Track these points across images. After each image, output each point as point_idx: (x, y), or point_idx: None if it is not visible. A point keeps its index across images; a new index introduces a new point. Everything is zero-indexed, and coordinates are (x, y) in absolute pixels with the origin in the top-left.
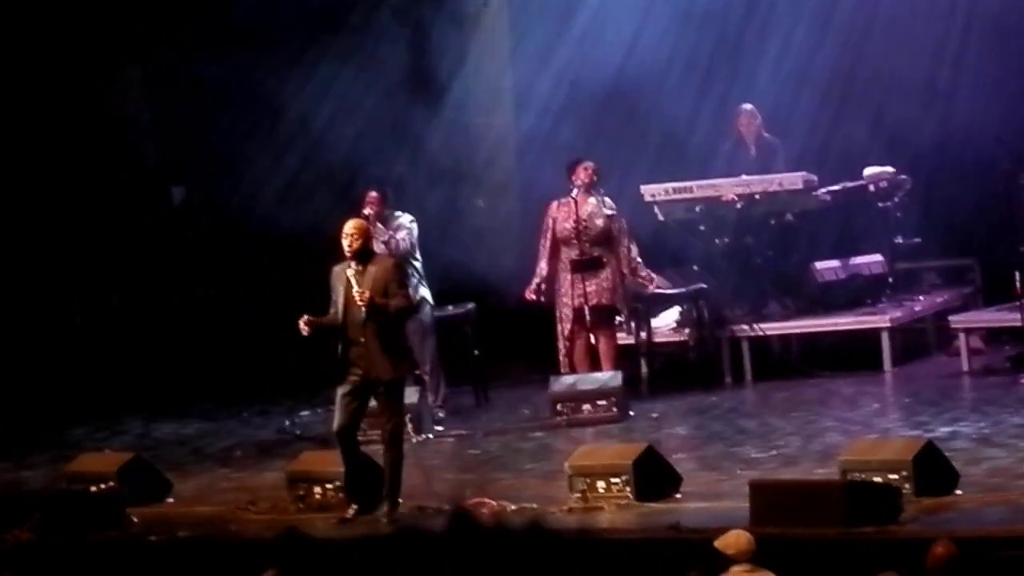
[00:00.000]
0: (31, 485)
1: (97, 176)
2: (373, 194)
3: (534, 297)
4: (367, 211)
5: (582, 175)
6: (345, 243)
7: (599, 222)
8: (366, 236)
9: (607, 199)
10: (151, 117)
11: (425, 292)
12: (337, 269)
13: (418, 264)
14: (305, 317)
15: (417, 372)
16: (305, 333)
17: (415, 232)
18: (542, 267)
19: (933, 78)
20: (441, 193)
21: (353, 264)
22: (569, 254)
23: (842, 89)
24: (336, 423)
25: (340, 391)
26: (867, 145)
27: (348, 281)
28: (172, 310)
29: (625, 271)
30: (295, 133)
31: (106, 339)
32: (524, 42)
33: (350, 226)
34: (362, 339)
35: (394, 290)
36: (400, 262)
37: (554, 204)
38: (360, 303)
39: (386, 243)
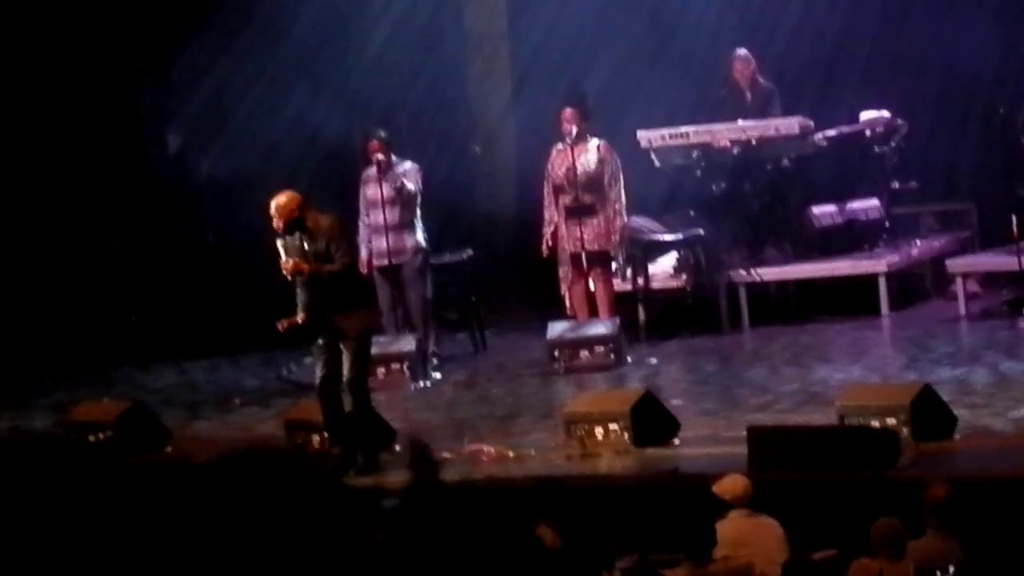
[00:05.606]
0: (28, 434)
1: (94, 125)
2: (377, 142)
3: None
4: (378, 157)
5: (563, 123)
6: (275, 223)
7: (591, 168)
8: (287, 210)
9: (602, 143)
10: (147, 64)
11: (422, 239)
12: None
13: (418, 211)
14: (282, 323)
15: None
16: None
17: (419, 178)
18: (551, 215)
19: (929, 21)
20: (438, 139)
21: (293, 235)
22: (564, 200)
23: (836, 33)
24: (317, 376)
25: (318, 343)
26: (863, 89)
27: (279, 253)
28: (171, 257)
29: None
30: (296, 75)
31: (105, 287)
32: None
33: (272, 207)
34: (319, 300)
35: (335, 249)
36: (340, 219)
37: (553, 151)
38: (286, 273)
39: (398, 189)
